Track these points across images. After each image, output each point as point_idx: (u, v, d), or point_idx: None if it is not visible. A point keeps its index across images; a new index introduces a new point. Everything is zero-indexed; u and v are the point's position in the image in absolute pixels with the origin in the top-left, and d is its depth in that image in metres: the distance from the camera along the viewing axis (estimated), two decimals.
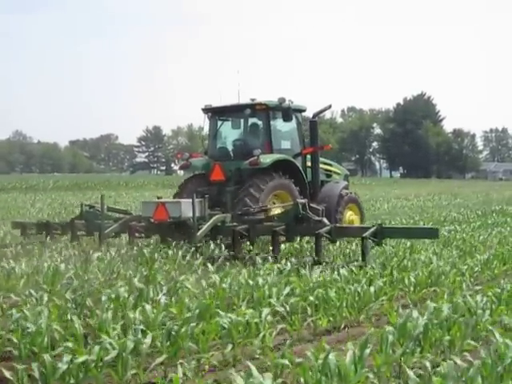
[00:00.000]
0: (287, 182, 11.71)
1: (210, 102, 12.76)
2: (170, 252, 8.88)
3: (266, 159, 11.44)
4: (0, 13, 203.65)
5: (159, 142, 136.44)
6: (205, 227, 9.90)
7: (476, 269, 8.80)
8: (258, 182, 11.27)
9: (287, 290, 6.66)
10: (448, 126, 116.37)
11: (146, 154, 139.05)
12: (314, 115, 12.76)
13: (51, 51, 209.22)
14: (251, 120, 12.46)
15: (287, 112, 11.99)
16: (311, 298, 6.32)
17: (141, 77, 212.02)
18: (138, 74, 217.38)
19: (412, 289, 7.48)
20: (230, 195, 11.34)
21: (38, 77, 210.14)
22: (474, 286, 7.79)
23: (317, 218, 9.99)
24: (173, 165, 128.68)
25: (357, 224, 12.55)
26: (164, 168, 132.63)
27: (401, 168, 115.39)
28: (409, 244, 10.59)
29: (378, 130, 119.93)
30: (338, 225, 10.61)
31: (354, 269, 7.87)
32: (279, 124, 12.49)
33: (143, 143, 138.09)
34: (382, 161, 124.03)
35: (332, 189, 12.70)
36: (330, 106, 13.38)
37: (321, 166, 12.90)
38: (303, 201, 10.21)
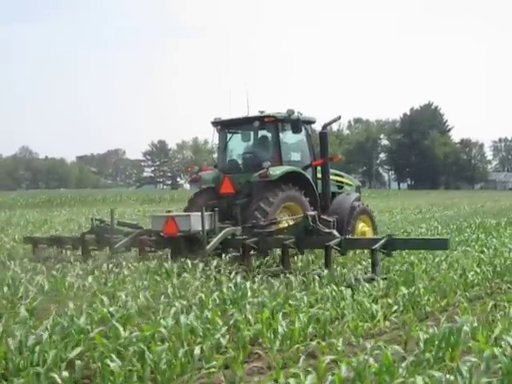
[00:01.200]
0: (297, 193, 11.62)
1: (215, 115, 12.76)
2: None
3: (276, 171, 11.37)
4: (1, 24, 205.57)
5: (165, 157, 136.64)
6: (214, 240, 9.86)
7: (395, 307, 6.46)
8: (268, 195, 11.20)
9: (75, 352, 4.53)
10: (456, 136, 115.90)
11: (152, 168, 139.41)
12: (324, 126, 12.69)
13: (57, 67, 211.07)
14: (260, 132, 12.43)
15: (296, 124, 11.94)
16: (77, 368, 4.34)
17: (145, 90, 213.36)
18: (142, 88, 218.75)
19: (278, 344, 5.08)
20: (240, 208, 11.26)
21: (44, 93, 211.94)
22: (377, 336, 5.69)
23: (327, 230, 9.88)
24: (179, 179, 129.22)
25: (369, 236, 12.46)
26: (170, 182, 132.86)
27: (408, 179, 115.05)
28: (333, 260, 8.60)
29: (384, 141, 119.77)
30: (347, 236, 10.52)
31: (208, 314, 5.59)
32: (288, 136, 12.42)
33: (149, 158, 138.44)
34: (390, 172, 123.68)
35: (344, 200, 12.62)
36: (339, 117, 13.34)
37: (332, 177, 12.85)
38: (313, 213, 10.11)
